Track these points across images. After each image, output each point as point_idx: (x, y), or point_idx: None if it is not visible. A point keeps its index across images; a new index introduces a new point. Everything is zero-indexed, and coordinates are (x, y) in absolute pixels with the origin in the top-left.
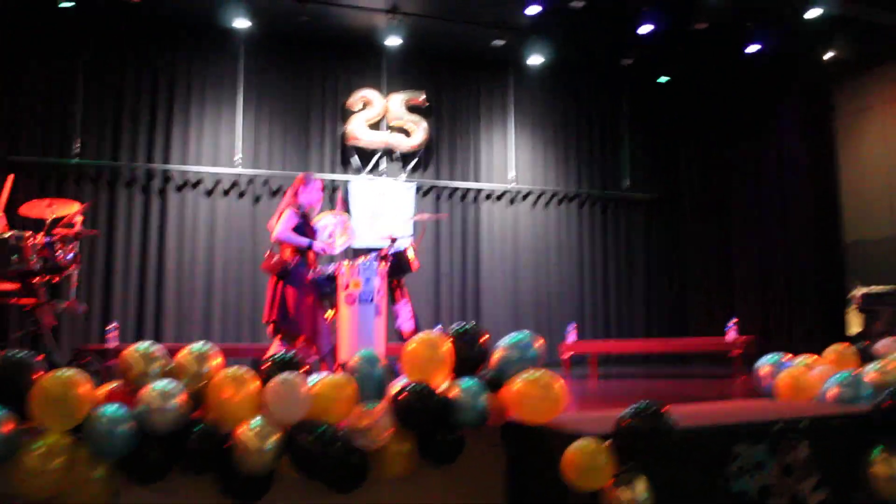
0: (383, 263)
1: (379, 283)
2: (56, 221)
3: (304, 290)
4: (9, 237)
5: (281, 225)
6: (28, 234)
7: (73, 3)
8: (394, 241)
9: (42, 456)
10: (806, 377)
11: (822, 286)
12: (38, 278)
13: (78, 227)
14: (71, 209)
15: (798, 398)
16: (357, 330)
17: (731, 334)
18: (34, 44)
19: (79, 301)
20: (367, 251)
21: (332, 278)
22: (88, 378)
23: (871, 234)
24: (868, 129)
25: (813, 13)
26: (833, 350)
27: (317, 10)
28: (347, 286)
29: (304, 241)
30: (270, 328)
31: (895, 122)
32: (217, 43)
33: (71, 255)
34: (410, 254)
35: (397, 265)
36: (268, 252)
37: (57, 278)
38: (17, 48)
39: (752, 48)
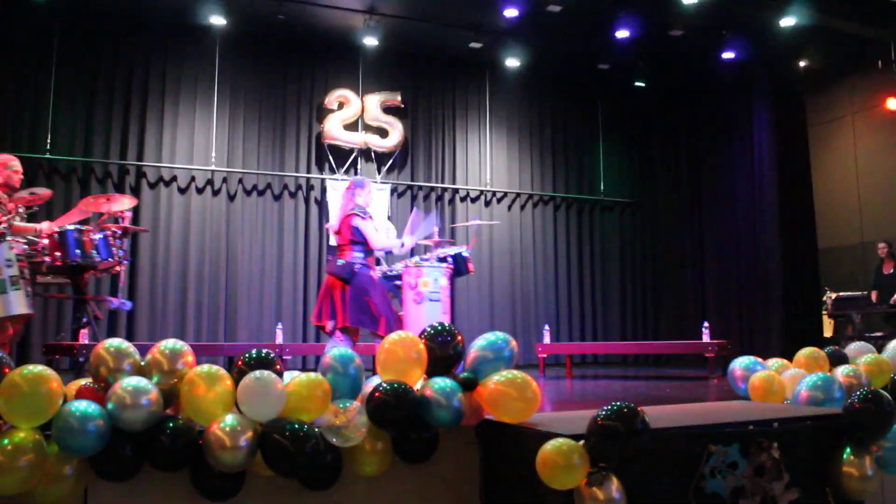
0: (446, 264)
1: (445, 283)
2: (98, 216)
3: (378, 288)
4: (73, 230)
5: (373, 235)
6: (88, 228)
7: None
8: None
9: (11, 453)
10: (778, 380)
11: (796, 291)
12: (89, 273)
13: (126, 223)
14: (122, 205)
15: (770, 400)
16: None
17: (705, 337)
18: (5, 38)
19: (123, 297)
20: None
21: (396, 277)
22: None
23: (841, 240)
24: (839, 138)
25: (787, 22)
26: (804, 354)
27: (294, 9)
28: (416, 285)
29: (396, 242)
30: (332, 325)
31: (866, 130)
32: (192, 40)
33: (122, 250)
34: (468, 255)
35: (457, 267)
36: (331, 258)
37: (111, 272)
38: None
39: (727, 55)
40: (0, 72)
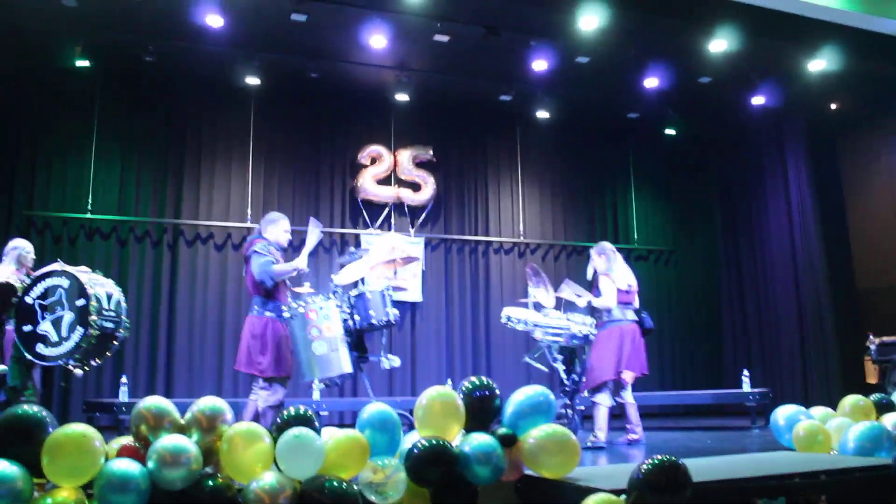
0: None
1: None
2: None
3: None
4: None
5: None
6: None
7: (88, 63)
8: None
9: None
10: (823, 429)
11: (837, 337)
12: None
13: None
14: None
15: (816, 450)
16: None
17: (745, 386)
18: (50, 101)
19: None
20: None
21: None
22: (100, 434)
23: (881, 282)
24: (874, 179)
25: (816, 66)
26: (850, 402)
27: (326, 67)
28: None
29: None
30: None
31: None
32: (228, 99)
33: None
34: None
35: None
36: None
37: None
38: (34, 106)
39: (757, 100)
40: (44, 134)
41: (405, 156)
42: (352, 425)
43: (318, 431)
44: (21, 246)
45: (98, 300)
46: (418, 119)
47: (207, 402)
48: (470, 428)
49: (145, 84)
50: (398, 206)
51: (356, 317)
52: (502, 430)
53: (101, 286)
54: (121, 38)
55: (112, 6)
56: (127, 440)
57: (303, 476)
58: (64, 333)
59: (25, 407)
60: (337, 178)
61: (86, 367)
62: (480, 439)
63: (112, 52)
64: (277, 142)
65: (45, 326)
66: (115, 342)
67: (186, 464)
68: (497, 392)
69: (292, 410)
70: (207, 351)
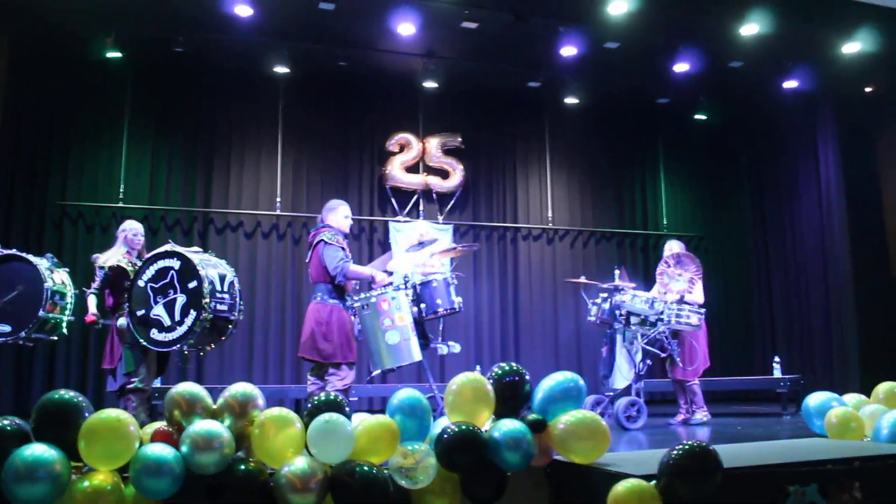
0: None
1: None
2: None
3: None
4: None
5: None
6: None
7: (119, 54)
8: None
9: (90, 494)
10: (857, 416)
11: (870, 323)
12: None
13: None
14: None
15: (849, 437)
16: None
17: (776, 372)
18: (82, 93)
19: None
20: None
21: None
22: (134, 419)
23: None
24: None
25: (850, 48)
26: (884, 388)
27: (354, 55)
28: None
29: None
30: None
31: None
32: (257, 88)
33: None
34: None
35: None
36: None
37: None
38: (67, 97)
39: (789, 84)
40: (76, 125)
41: (433, 143)
42: (381, 411)
43: (348, 417)
44: (129, 227)
45: (210, 282)
46: (447, 106)
47: (239, 388)
48: (500, 413)
49: (175, 74)
50: (426, 194)
51: (422, 305)
52: (532, 416)
53: (213, 267)
54: (151, 29)
55: None
56: (161, 425)
57: (333, 461)
58: (177, 317)
59: (62, 392)
60: (365, 166)
61: (201, 353)
62: (510, 425)
63: (143, 43)
64: (306, 130)
65: (158, 310)
66: (231, 326)
67: (219, 448)
68: (527, 378)
69: (323, 396)
70: (238, 338)
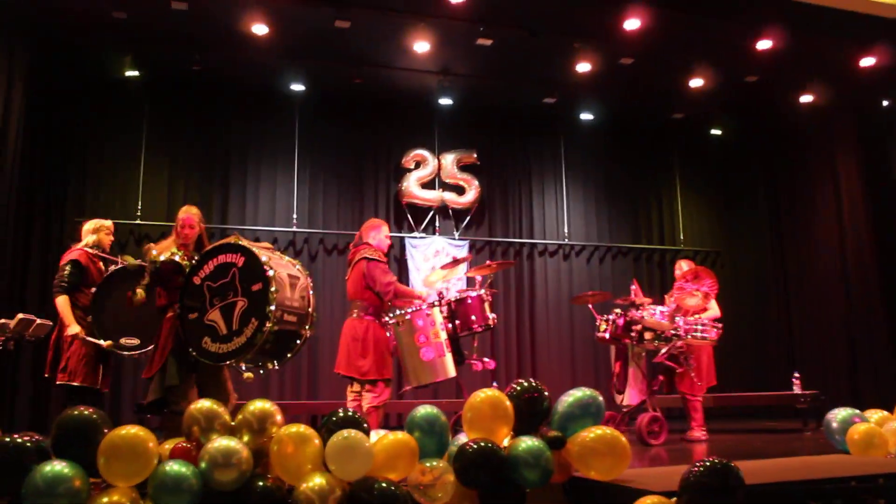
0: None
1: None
2: None
3: None
4: None
5: None
6: None
7: (137, 73)
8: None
9: None
10: (880, 432)
11: (890, 338)
12: None
13: None
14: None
15: (872, 454)
16: None
17: (795, 388)
18: (101, 111)
19: None
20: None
21: None
22: (153, 436)
23: None
24: None
25: (866, 62)
26: None
27: (370, 72)
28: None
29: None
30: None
31: None
32: (273, 106)
33: None
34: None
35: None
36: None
37: None
38: (85, 115)
39: (805, 99)
40: (95, 142)
41: (449, 159)
42: (397, 427)
43: (367, 433)
44: (182, 217)
45: (279, 285)
46: (462, 123)
47: (257, 405)
48: (518, 430)
49: (192, 92)
50: (442, 210)
51: (456, 321)
52: (551, 433)
53: (283, 268)
54: (169, 48)
55: (160, 17)
56: (179, 442)
57: (352, 477)
58: (235, 326)
59: (82, 408)
60: (381, 183)
61: (260, 370)
62: (529, 442)
63: (160, 62)
64: (322, 147)
65: (214, 315)
66: (299, 341)
67: (237, 465)
68: (546, 394)
69: (341, 412)
70: None
